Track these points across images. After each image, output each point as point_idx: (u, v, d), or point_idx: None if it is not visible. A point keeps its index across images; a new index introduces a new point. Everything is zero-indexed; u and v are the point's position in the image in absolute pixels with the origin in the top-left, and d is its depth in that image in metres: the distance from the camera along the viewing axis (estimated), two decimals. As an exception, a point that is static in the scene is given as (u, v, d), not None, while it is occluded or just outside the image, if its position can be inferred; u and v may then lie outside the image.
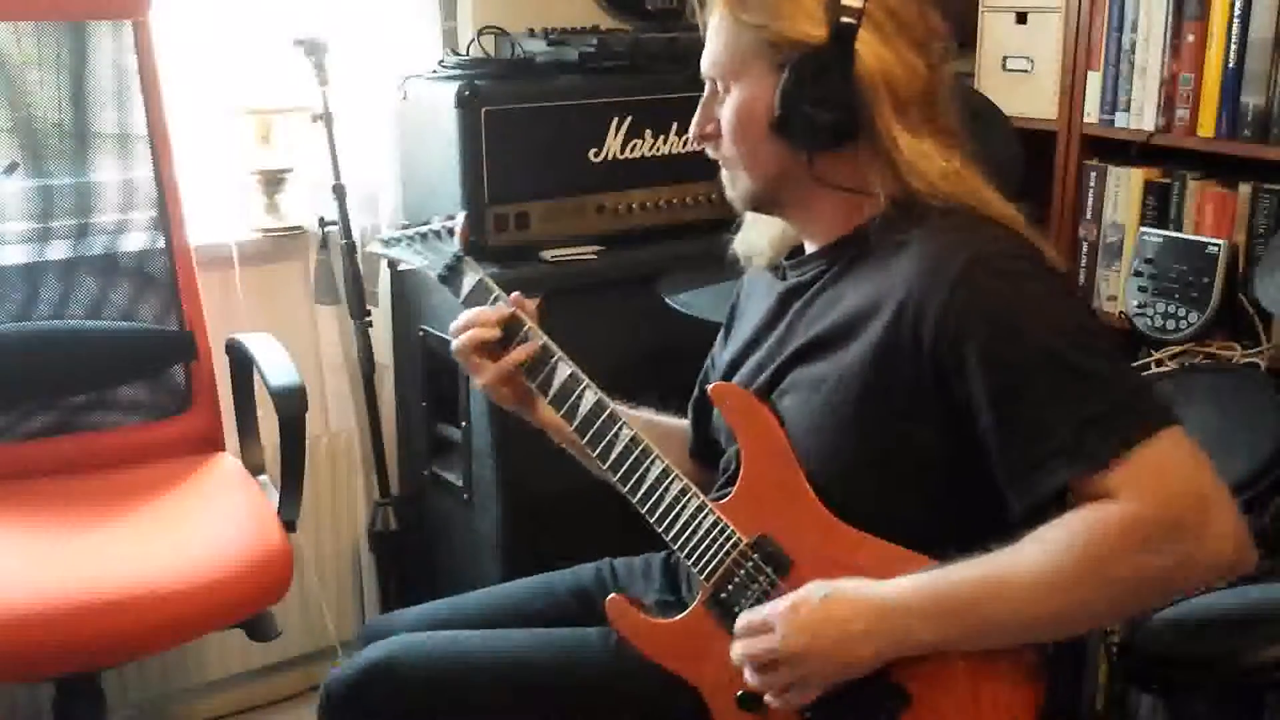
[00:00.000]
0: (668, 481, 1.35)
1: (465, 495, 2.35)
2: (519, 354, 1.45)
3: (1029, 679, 1.23)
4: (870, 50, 1.25)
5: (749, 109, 1.30)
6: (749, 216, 1.47)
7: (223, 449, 2.19)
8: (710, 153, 1.39)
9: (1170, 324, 2.04)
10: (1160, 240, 2.08)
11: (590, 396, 1.41)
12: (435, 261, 1.55)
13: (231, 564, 1.80)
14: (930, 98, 1.29)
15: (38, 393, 2.11)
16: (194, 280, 2.19)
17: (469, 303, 1.51)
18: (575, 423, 1.42)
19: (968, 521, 1.21)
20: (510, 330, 1.47)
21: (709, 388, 1.38)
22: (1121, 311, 2.13)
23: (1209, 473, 1.15)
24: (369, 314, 2.46)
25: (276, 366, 2.01)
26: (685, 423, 1.59)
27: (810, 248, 1.39)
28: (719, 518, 1.31)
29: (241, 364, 2.15)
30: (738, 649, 1.23)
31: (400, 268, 1.63)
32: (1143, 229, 2.12)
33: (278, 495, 2.00)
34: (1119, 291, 2.17)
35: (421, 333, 2.41)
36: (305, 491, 2.01)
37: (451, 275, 1.52)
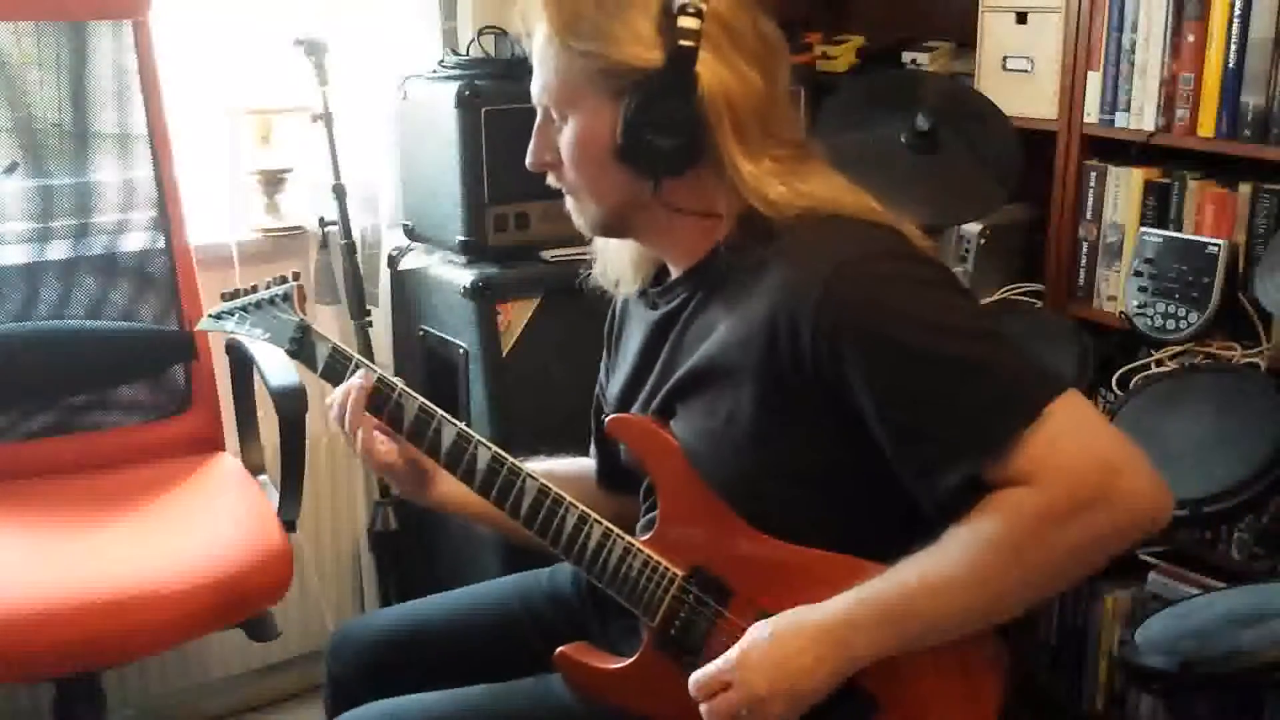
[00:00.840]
0: (587, 528, 1.31)
1: (465, 495, 2.35)
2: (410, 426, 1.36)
3: (992, 666, 1.24)
4: (709, 70, 1.22)
5: (589, 138, 1.27)
6: (599, 244, 1.44)
7: (223, 449, 2.19)
8: (552, 181, 1.35)
9: (1170, 324, 2.04)
10: (1160, 240, 2.08)
11: (484, 453, 1.34)
12: (279, 334, 1.45)
13: (231, 564, 1.80)
14: (767, 112, 1.26)
15: (38, 393, 2.11)
16: (194, 280, 2.19)
17: (327, 374, 1.42)
18: (475, 482, 1.34)
19: (888, 518, 1.21)
20: (380, 396, 1.38)
21: (606, 422, 1.35)
22: (1121, 311, 2.13)
23: (1108, 436, 1.15)
24: (369, 314, 2.46)
25: (276, 367, 2.01)
26: (584, 461, 1.55)
27: (674, 271, 1.37)
28: (649, 556, 1.29)
29: (241, 364, 2.14)
30: (704, 710, 1.20)
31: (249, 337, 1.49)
32: (1143, 229, 2.12)
33: (278, 495, 2.00)
34: (1119, 291, 2.16)
35: (421, 333, 2.41)
36: (305, 491, 2.01)
37: (300, 348, 1.44)
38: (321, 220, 2.40)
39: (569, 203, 1.36)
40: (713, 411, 1.26)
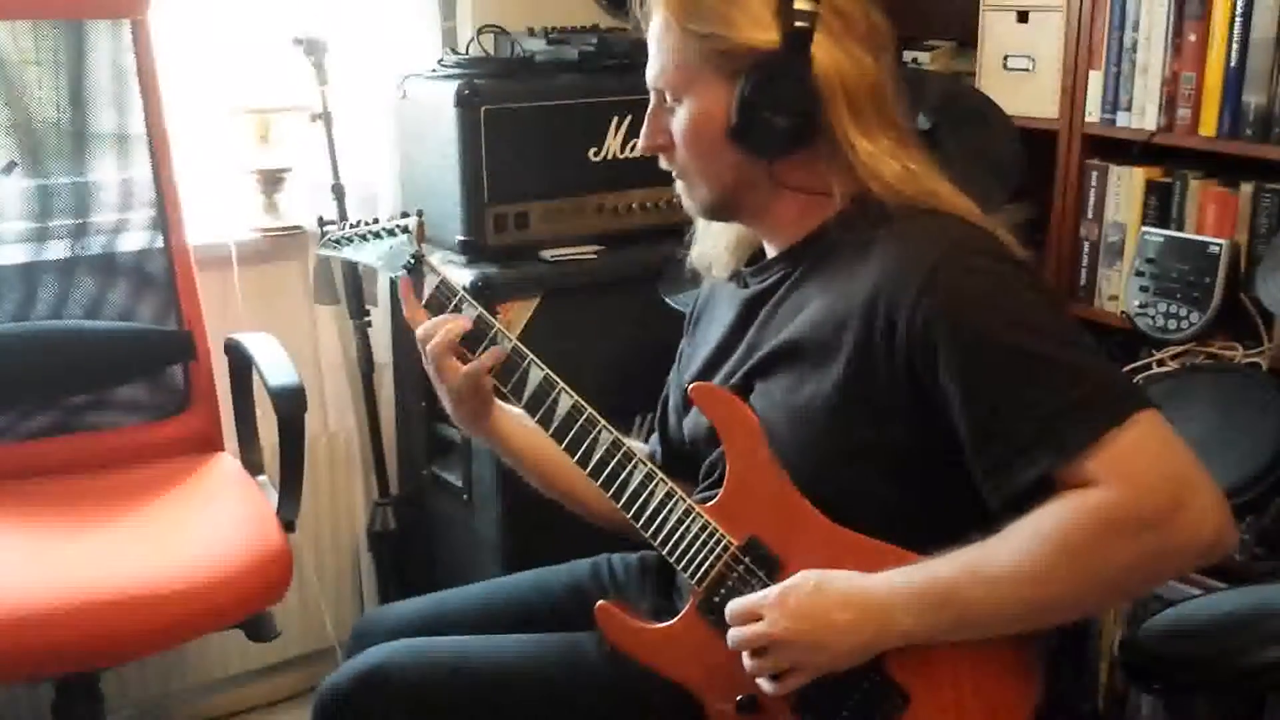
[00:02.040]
0: (652, 485, 1.33)
1: (465, 495, 2.34)
2: (491, 355, 1.40)
3: (1026, 677, 1.24)
4: (824, 52, 1.25)
5: (705, 119, 1.30)
6: (700, 226, 1.46)
7: (222, 449, 2.19)
8: (664, 164, 1.38)
9: (1172, 324, 2.04)
10: (1162, 240, 2.08)
11: (566, 399, 1.38)
12: (392, 261, 1.50)
13: (231, 564, 1.79)
14: (880, 94, 1.29)
15: (37, 393, 2.10)
16: (193, 280, 2.18)
17: (432, 306, 1.46)
18: (552, 427, 1.38)
19: (952, 511, 1.21)
20: (478, 332, 1.42)
21: (689, 387, 1.36)
22: (1123, 311, 2.13)
23: (1184, 456, 1.15)
24: (368, 314, 2.45)
25: (275, 366, 2.00)
26: (637, 443, 1.56)
27: (771, 251, 1.39)
28: (707, 520, 1.30)
29: (240, 364, 2.14)
30: (731, 635, 1.22)
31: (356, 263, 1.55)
32: (1144, 228, 2.12)
33: (277, 495, 2.00)
34: (1120, 291, 2.16)
35: (421, 332, 2.40)
36: (304, 491, 2.01)
37: (411, 277, 1.48)
38: (320, 220, 2.36)
39: (678, 185, 1.39)
40: (797, 388, 1.28)
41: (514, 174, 2.23)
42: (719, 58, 1.27)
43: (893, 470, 1.25)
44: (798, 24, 1.23)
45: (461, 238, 2.25)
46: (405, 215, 1.53)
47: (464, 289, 1.45)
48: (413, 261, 1.48)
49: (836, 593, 1.18)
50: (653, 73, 1.34)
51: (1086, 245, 2.24)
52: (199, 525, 1.91)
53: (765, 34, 1.25)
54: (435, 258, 2.35)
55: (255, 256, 2.43)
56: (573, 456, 1.38)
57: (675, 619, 1.33)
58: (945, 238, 1.23)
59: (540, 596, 1.55)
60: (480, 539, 2.32)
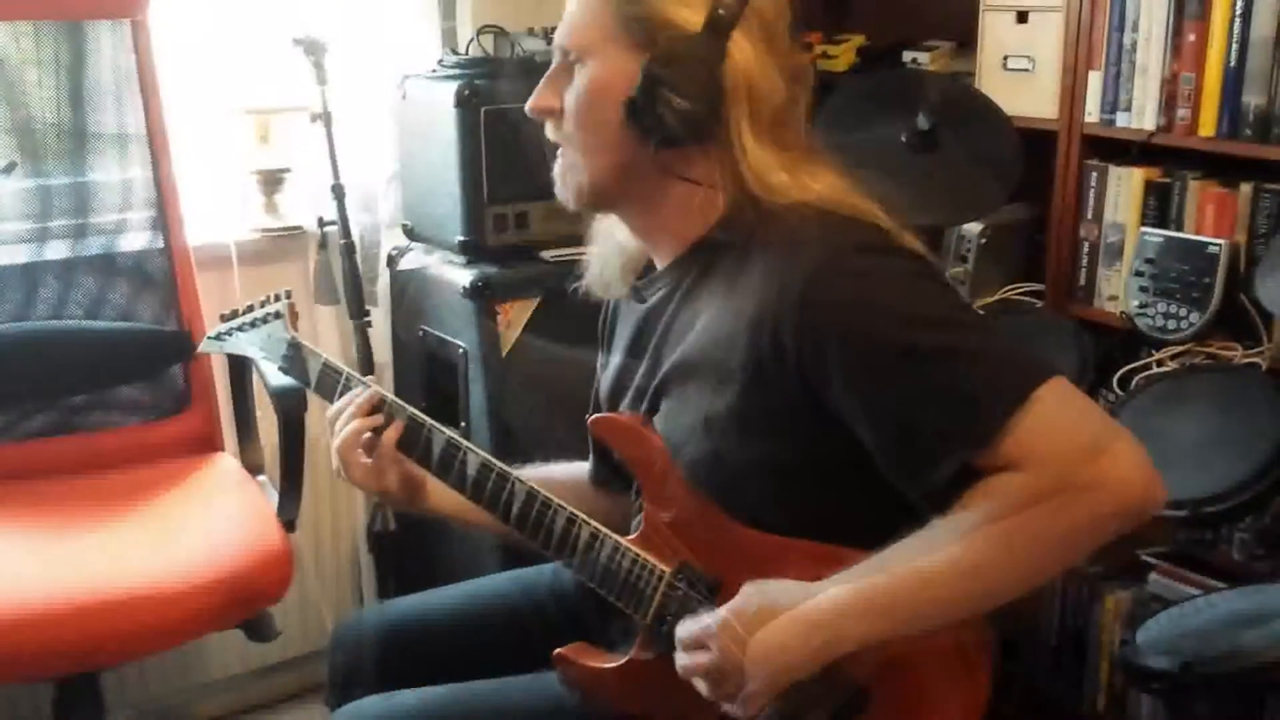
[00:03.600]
0: (575, 529, 1.31)
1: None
2: (392, 433, 1.37)
3: (982, 659, 1.23)
4: (740, 51, 1.22)
5: (604, 86, 1.25)
6: (592, 254, 1.43)
7: (221, 449, 2.19)
8: (549, 132, 1.33)
9: (1171, 324, 2.05)
10: (1161, 240, 2.08)
11: (474, 459, 1.35)
12: (273, 351, 1.49)
13: (231, 564, 1.80)
14: (783, 118, 1.26)
15: (36, 393, 2.11)
16: (193, 280, 2.19)
17: (320, 388, 1.45)
18: (466, 488, 1.36)
19: (876, 507, 1.20)
20: (372, 406, 1.39)
21: (590, 422, 1.35)
22: (1122, 311, 2.13)
23: (1096, 420, 1.14)
24: (368, 314, 2.45)
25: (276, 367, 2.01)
26: (578, 464, 1.55)
27: (659, 264, 1.36)
28: (637, 554, 1.29)
29: (240, 364, 2.15)
30: (679, 661, 1.20)
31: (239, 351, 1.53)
32: (1143, 229, 2.12)
33: (277, 495, 2.00)
34: (1120, 291, 2.17)
35: (421, 333, 2.41)
36: (304, 491, 2.01)
37: (292, 364, 1.47)
38: (320, 220, 2.40)
39: (558, 166, 1.34)
40: (695, 407, 1.26)
41: (514, 174, 2.23)
42: (635, 24, 1.22)
43: (804, 477, 1.24)
44: (721, 11, 1.20)
45: (461, 238, 2.25)
46: (276, 299, 1.51)
47: (357, 372, 1.44)
48: (291, 351, 1.46)
49: (782, 614, 1.15)
50: (564, 30, 1.29)
51: (1086, 245, 2.24)
52: (199, 525, 1.91)
53: (690, 14, 1.21)
54: (435, 258, 2.37)
55: (255, 257, 2.43)
56: (493, 513, 1.35)
57: (627, 657, 1.32)
58: (824, 241, 1.20)
59: (526, 599, 1.54)
60: (480, 538, 2.32)
